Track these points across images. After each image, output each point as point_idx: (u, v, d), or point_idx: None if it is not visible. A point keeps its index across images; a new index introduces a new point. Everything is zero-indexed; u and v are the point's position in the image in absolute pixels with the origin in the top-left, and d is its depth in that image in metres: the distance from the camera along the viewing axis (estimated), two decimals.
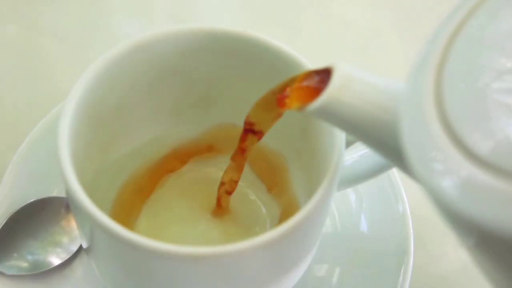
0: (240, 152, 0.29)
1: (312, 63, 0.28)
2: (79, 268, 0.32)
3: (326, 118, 0.23)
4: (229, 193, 0.31)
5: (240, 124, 0.28)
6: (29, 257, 0.31)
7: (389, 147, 0.21)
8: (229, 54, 0.30)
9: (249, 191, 0.34)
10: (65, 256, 0.32)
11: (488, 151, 0.16)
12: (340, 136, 0.26)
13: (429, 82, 0.18)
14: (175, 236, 0.32)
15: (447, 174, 0.16)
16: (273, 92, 0.25)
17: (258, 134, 0.27)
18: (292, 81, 0.24)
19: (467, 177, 0.16)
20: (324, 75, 0.22)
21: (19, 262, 0.31)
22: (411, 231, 0.34)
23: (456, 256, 0.37)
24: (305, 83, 0.23)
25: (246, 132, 0.28)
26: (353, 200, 0.36)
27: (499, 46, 0.17)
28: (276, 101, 0.24)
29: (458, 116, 0.17)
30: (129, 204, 0.32)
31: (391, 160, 0.24)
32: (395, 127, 0.19)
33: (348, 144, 0.27)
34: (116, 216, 0.31)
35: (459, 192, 0.16)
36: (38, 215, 0.33)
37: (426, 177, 0.17)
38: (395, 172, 0.35)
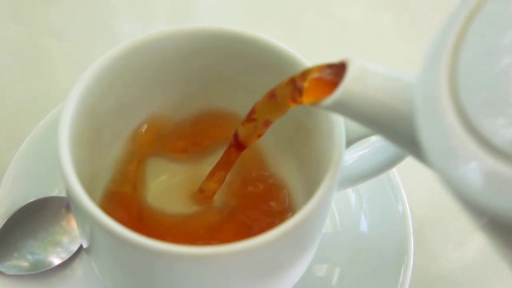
0: (228, 158, 0.29)
1: (312, 63, 0.28)
2: (79, 268, 0.32)
3: (342, 111, 0.22)
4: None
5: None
6: (29, 257, 0.31)
7: (406, 137, 0.21)
8: (229, 54, 0.30)
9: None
10: (65, 256, 0.32)
11: (505, 141, 0.15)
12: (340, 136, 0.26)
13: (443, 70, 0.17)
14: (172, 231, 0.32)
15: (463, 166, 0.16)
16: (280, 87, 0.25)
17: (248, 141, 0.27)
18: (302, 75, 0.24)
19: (481, 168, 0.16)
20: (338, 69, 0.22)
21: (20, 262, 0.31)
22: (411, 230, 0.34)
23: (456, 256, 0.37)
24: (321, 77, 0.23)
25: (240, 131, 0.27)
26: (353, 200, 0.36)
27: None
28: (289, 96, 0.24)
29: (474, 105, 0.16)
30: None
31: (408, 151, 0.23)
32: (412, 117, 0.19)
33: (348, 144, 0.27)
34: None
35: (475, 182, 0.16)
36: (38, 215, 0.33)
37: (442, 169, 0.17)
38: (395, 172, 0.35)
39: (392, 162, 0.29)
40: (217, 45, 0.30)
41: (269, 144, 0.33)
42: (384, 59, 0.47)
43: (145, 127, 0.33)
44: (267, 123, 0.26)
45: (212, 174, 0.30)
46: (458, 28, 0.18)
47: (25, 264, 0.31)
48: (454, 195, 0.17)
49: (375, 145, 0.30)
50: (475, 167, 0.16)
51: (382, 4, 0.51)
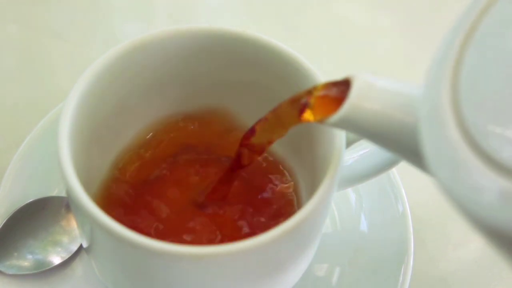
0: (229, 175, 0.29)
1: (312, 63, 0.28)
2: (79, 267, 0.32)
3: (347, 127, 0.22)
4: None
5: (237, 126, 0.27)
6: (29, 257, 0.31)
7: (411, 150, 0.21)
8: (229, 54, 0.30)
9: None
10: (65, 256, 0.32)
11: (506, 155, 0.15)
12: (340, 136, 0.26)
13: (446, 83, 0.17)
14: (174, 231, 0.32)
15: (462, 179, 0.16)
16: (284, 106, 0.25)
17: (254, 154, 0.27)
18: (307, 93, 0.24)
19: (481, 181, 0.16)
20: (343, 86, 0.22)
21: (20, 262, 0.31)
22: (411, 230, 0.34)
23: (456, 256, 0.37)
24: (326, 95, 0.23)
25: (241, 149, 0.27)
26: (353, 200, 0.36)
27: None
28: (294, 114, 0.24)
29: (476, 118, 0.16)
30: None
31: (412, 162, 0.23)
32: (416, 130, 0.19)
33: (348, 144, 0.27)
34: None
35: (474, 194, 0.16)
36: (38, 215, 0.33)
37: (443, 180, 0.17)
38: (395, 172, 0.35)
39: (392, 162, 0.29)
40: (217, 45, 0.30)
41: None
42: (385, 58, 0.47)
43: (146, 129, 0.33)
44: (268, 143, 0.26)
45: (213, 190, 0.30)
46: (460, 41, 0.18)
47: (25, 263, 0.31)
48: (454, 205, 0.17)
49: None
50: (475, 180, 0.16)
51: (383, 4, 0.51)
